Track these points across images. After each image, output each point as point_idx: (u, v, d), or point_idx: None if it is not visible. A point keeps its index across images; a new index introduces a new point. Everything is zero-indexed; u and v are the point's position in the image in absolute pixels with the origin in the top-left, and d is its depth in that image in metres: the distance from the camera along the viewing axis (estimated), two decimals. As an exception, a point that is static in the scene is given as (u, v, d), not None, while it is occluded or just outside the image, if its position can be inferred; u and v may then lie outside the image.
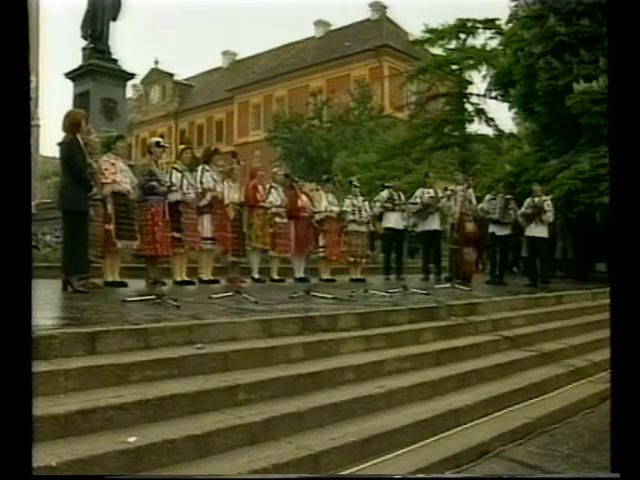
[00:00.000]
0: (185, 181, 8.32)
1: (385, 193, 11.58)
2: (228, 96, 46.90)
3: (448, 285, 9.74)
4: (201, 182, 8.64)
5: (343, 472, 3.96)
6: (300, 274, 10.14)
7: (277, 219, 9.90)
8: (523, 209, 11.26)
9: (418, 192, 11.77)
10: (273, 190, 9.96)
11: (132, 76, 14.22)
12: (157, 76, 52.07)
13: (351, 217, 10.86)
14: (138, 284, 7.73)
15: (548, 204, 11.12)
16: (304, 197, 10.07)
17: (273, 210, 9.82)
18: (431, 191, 11.66)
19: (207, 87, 51.30)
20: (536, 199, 11.15)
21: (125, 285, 7.64)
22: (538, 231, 11.12)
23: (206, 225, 8.67)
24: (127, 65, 13.85)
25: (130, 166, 8.39)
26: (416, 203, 11.34)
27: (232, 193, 9.01)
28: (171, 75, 52.06)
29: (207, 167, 8.86)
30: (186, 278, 8.49)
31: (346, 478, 4.03)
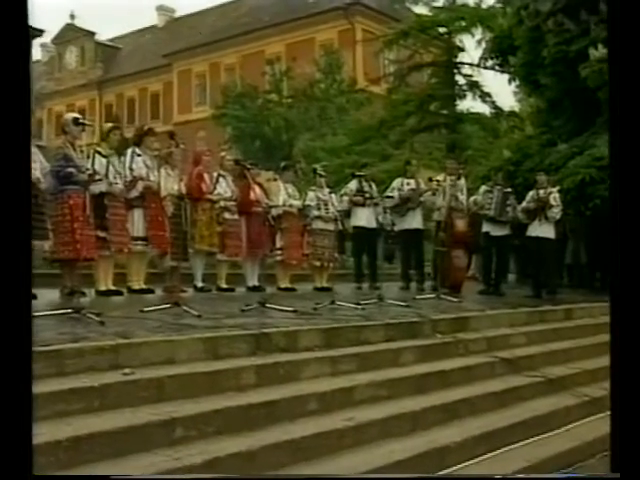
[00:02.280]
0: (111, 168, 8.24)
1: (353, 184, 11.59)
2: (165, 63, 46.68)
3: (433, 295, 9.81)
4: (131, 169, 8.57)
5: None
6: (253, 282, 10.13)
7: (226, 215, 9.87)
8: (525, 203, 11.33)
9: (395, 183, 11.76)
10: (222, 179, 9.94)
11: (40, 33, 13.98)
12: (74, 34, 51.35)
13: (315, 213, 10.88)
14: (50, 295, 7.62)
15: (555, 197, 11.21)
16: (258, 188, 10.05)
17: (222, 204, 9.80)
18: (412, 182, 11.67)
19: (138, 50, 50.89)
20: (541, 191, 11.25)
21: (33, 297, 7.52)
22: (543, 230, 11.21)
23: (137, 222, 8.61)
24: (32, 19, 13.63)
25: (40, 148, 8.28)
26: (392, 196, 11.36)
27: (170, 183, 8.96)
28: (92, 34, 51.42)
29: (138, 150, 8.79)
30: (112, 287, 8.42)
31: (349, 478, 4.24)
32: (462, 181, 11.28)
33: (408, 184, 11.61)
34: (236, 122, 32.71)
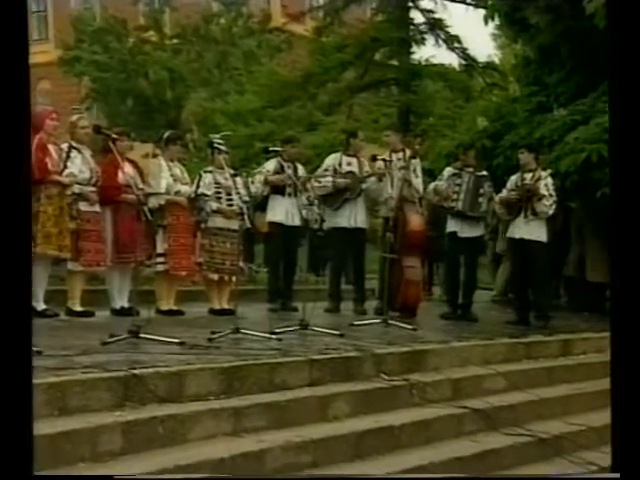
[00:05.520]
0: None
1: (272, 164, 11.55)
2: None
3: (378, 320, 9.89)
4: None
5: None
6: (122, 302, 10.05)
7: (82, 206, 9.75)
8: (505, 192, 11.43)
9: (330, 160, 11.75)
10: (75, 154, 9.81)
11: None
12: None
13: (213, 205, 10.83)
14: None
15: (547, 185, 11.30)
16: (130, 168, 9.98)
17: (75, 189, 9.68)
18: (353, 161, 11.66)
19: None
20: (527, 176, 11.37)
21: None
22: (530, 230, 11.26)
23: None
24: None
25: None
26: (320, 181, 11.35)
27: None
28: None
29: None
30: None
31: (351, 478, 4.86)
32: (417, 160, 11.35)
33: (349, 164, 11.60)
34: (96, 71, 32.33)
